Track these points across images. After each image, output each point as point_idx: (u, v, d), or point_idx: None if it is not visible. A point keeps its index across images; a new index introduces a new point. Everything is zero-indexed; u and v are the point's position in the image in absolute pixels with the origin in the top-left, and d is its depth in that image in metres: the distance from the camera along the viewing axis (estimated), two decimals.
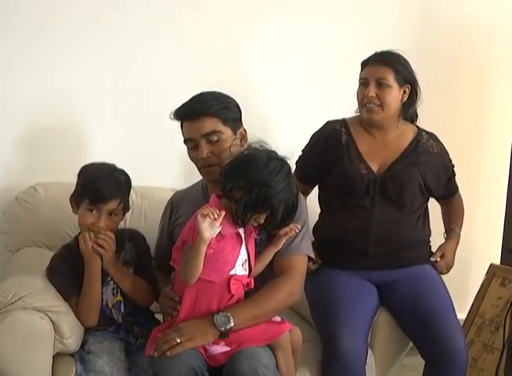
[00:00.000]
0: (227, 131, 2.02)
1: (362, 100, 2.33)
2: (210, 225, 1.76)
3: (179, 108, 2.04)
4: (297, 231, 1.98)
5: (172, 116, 2.04)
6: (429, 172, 2.35)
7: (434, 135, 2.45)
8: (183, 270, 1.83)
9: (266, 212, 1.85)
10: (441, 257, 2.40)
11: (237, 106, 2.10)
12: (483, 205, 3.27)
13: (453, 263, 2.44)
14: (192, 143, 2.03)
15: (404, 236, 2.32)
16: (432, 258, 2.39)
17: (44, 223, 2.43)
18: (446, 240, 2.48)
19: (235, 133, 2.05)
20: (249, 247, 1.92)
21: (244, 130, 2.09)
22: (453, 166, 2.49)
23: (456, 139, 2.86)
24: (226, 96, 2.08)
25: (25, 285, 1.95)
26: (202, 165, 2.04)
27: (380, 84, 2.30)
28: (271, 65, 2.91)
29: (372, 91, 2.30)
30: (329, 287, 2.25)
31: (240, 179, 1.83)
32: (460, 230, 2.51)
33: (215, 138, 2.00)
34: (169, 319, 1.91)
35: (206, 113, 1.99)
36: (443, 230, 2.53)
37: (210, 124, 1.99)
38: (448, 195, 2.52)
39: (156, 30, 2.73)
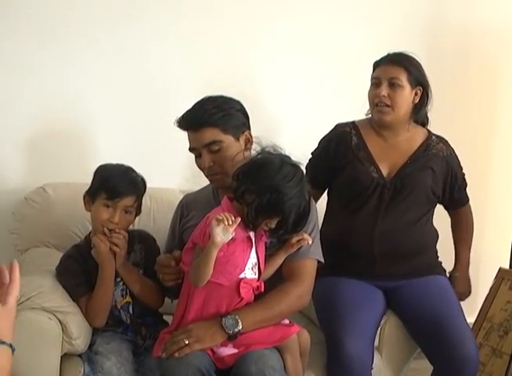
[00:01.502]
0: (228, 140, 2.01)
1: (374, 100, 2.31)
2: (224, 231, 1.75)
3: (181, 117, 2.05)
4: (309, 243, 1.97)
5: (176, 124, 2.05)
6: (438, 176, 2.34)
7: (444, 139, 2.43)
8: (193, 273, 1.83)
9: (277, 217, 1.84)
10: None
11: (241, 109, 2.08)
12: (492, 209, 3.25)
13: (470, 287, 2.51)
14: (196, 152, 2.06)
15: (413, 240, 2.30)
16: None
17: (52, 223, 2.44)
18: (455, 265, 2.51)
19: (237, 140, 2.04)
20: (259, 251, 1.91)
21: (249, 134, 2.09)
22: (464, 175, 2.45)
23: (465, 141, 2.84)
24: (229, 101, 2.07)
25: (33, 285, 1.95)
26: (207, 174, 2.06)
27: (393, 84, 2.28)
28: (278, 66, 2.90)
29: (384, 90, 2.28)
30: (335, 291, 2.24)
31: (253, 183, 1.82)
32: (469, 251, 2.52)
33: (216, 147, 2.00)
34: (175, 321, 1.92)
35: (205, 124, 1.99)
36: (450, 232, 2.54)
37: (210, 134, 1.99)
38: (457, 205, 2.48)
39: (163, 32, 2.73)
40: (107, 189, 2.01)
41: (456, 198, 2.44)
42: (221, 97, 2.06)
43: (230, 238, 1.77)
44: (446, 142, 2.43)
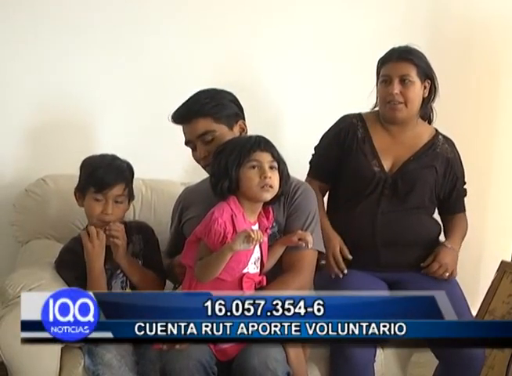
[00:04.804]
0: (221, 129, 2.02)
1: (386, 98, 2.30)
2: (246, 244, 1.74)
3: (174, 112, 2.07)
4: (309, 246, 1.95)
5: (170, 120, 2.07)
6: (440, 176, 2.33)
7: (451, 141, 2.41)
8: (200, 270, 1.82)
9: None
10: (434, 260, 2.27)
11: (234, 100, 2.09)
12: (494, 202, 3.24)
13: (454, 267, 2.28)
14: (191, 145, 2.07)
15: (414, 231, 2.30)
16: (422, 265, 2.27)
17: (53, 215, 2.43)
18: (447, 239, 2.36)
19: (231, 129, 2.05)
20: (262, 245, 1.90)
21: (243, 123, 2.09)
22: (464, 183, 2.43)
23: (467, 134, 2.84)
24: (221, 92, 2.08)
25: (34, 277, 1.95)
26: (204, 165, 2.07)
27: (404, 81, 2.27)
28: (279, 59, 2.89)
29: (396, 88, 2.27)
30: (338, 283, 2.22)
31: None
32: (457, 245, 2.34)
33: (209, 137, 2.02)
34: None
35: (197, 115, 2.01)
36: None
37: (202, 124, 2.01)
38: (451, 210, 2.42)
39: (167, 24, 2.72)
40: (95, 183, 2.01)
41: (451, 203, 2.40)
42: (213, 89, 2.08)
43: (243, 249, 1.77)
44: (452, 144, 2.41)
